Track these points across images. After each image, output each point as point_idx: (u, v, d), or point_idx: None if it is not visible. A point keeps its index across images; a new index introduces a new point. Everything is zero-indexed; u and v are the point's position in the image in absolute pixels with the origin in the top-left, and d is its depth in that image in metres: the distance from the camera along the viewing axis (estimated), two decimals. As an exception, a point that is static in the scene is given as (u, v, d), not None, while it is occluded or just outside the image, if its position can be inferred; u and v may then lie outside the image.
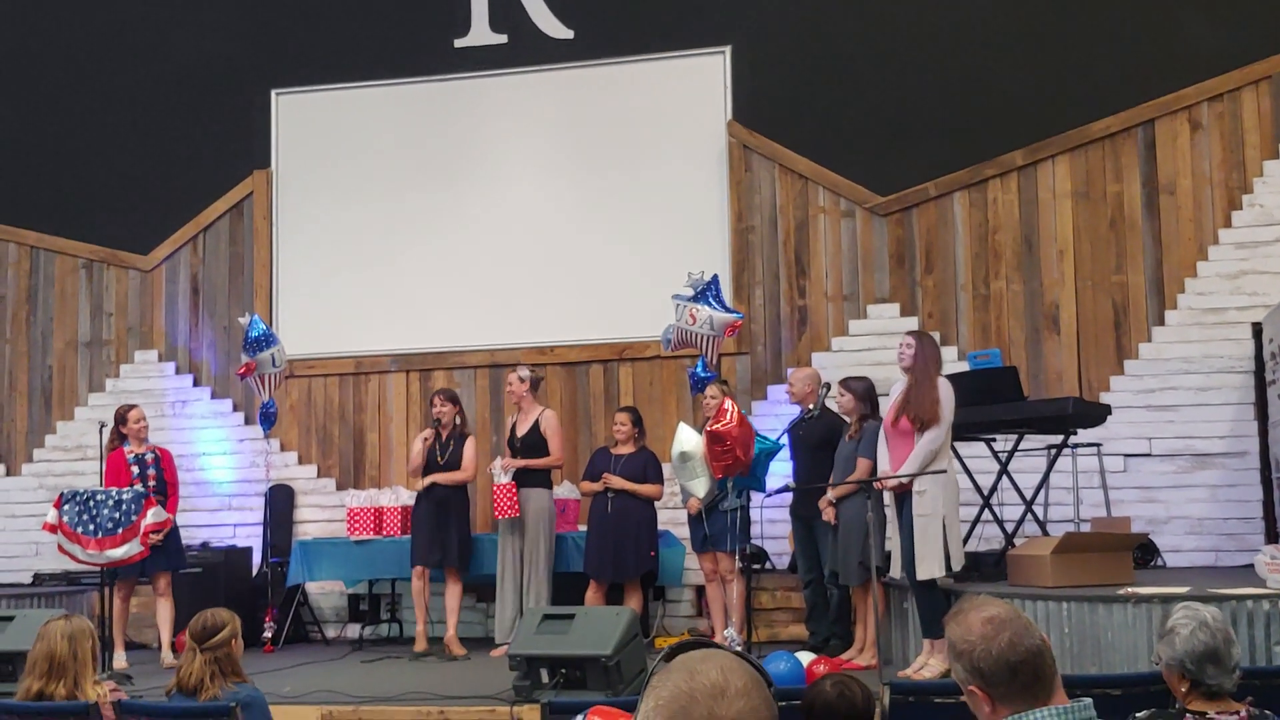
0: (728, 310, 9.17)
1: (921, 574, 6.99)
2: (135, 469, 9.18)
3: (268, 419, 10.18)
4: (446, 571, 9.22)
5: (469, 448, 9.30)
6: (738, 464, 8.18)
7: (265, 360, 9.80)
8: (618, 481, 9.01)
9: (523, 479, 9.13)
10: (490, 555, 9.49)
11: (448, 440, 9.26)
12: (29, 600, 9.56)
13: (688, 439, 8.58)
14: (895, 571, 7.38)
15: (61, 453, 11.58)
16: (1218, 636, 3.73)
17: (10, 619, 7.85)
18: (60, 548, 8.84)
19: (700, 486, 8.52)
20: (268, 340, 9.81)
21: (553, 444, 9.20)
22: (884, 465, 7.37)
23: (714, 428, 8.18)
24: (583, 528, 9.46)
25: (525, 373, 9.43)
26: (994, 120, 10.27)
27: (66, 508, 8.74)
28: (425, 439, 9.31)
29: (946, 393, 7.12)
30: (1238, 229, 9.82)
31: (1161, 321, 9.86)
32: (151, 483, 9.12)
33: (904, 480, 7.09)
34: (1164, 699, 4.08)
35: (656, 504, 9.17)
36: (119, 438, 9.33)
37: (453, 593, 9.24)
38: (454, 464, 9.22)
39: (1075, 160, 10.14)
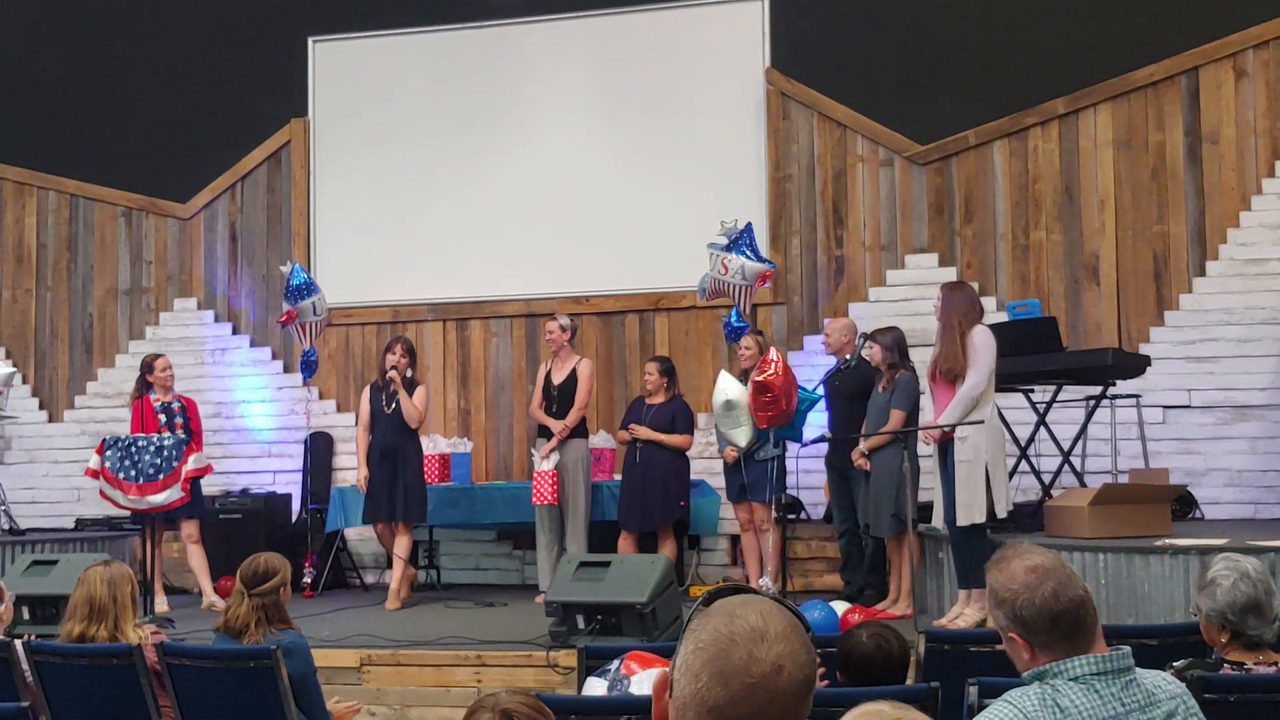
0: (760, 259, 9.13)
1: (962, 520, 6.92)
2: (163, 417, 9.25)
3: (308, 367, 10.19)
4: (397, 525, 9.11)
5: (420, 391, 9.19)
6: (781, 414, 8.17)
7: (306, 309, 9.82)
8: (643, 432, 9.01)
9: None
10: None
11: (395, 390, 9.07)
12: (71, 545, 9.67)
13: (732, 387, 8.56)
14: (937, 521, 7.31)
15: (103, 399, 11.68)
16: (1259, 588, 3.73)
17: (54, 563, 7.97)
18: (102, 493, 8.96)
19: (742, 435, 8.51)
20: (309, 289, 9.83)
21: (579, 392, 9.20)
22: (930, 417, 7.30)
23: (760, 377, 8.16)
24: (618, 477, 9.50)
25: (565, 321, 9.46)
26: (1035, 68, 10.14)
27: (109, 454, 8.85)
28: (380, 389, 9.24)
29: (981, 339, 6.99)
30: (1282, 178, 9.70)
31: (1203, 272, 9.75)
32: (180, 431, 9.18)
33: (945, 429, 7.03)
34: (1200, 650, 4.08)
35: (690, 453, 9.18)
36: (144, 385, 9.39)
37: (399, 544, 9.10)
38: (402, 413, 9.05)
39: (1117, 108, 10.01)
